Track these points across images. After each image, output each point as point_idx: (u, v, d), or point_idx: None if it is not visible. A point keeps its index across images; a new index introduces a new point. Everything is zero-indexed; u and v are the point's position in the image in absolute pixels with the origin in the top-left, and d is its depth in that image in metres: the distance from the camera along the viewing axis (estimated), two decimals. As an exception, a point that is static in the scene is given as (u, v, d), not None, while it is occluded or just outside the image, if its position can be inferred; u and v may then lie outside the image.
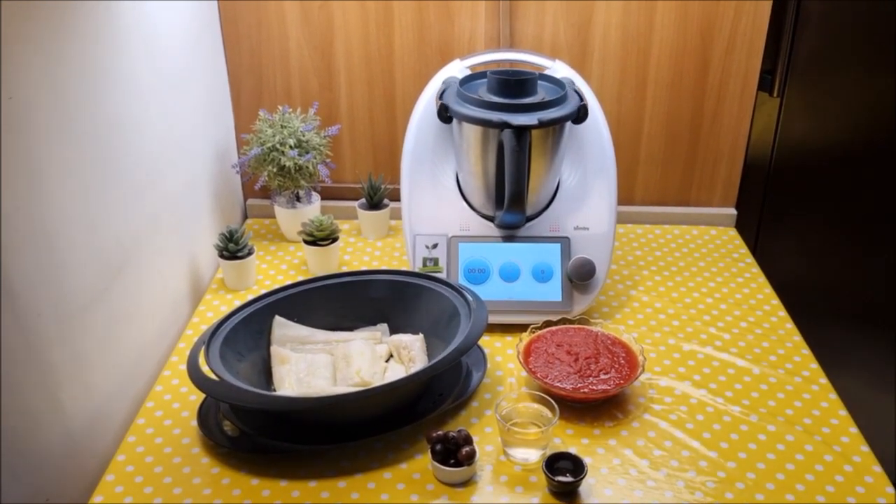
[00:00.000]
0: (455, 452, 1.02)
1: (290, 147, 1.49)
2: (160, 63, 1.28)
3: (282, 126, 1.51)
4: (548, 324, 1.26)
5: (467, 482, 1.02)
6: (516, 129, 1.21)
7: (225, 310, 1.37)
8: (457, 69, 1.39)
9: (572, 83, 1.33)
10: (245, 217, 1.74)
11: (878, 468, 1.05)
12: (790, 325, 1.36)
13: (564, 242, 1.34)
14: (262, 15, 1.56)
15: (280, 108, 1.56)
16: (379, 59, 1.59)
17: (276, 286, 1.27)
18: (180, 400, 1.17)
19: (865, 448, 1.08)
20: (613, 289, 1.46)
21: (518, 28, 1.55)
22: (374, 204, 1.62)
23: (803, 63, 1.67)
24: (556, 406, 1.07)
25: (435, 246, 1.34)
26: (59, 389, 0.99)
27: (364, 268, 1.52)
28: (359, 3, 1.54)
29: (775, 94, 1.69)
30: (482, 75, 1.34)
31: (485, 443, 1.09)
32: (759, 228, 1.83)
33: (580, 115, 1.30)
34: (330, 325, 1.26)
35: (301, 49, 1.59)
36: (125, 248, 1.15)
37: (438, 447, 1.02)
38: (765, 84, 1.65)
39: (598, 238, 1.34)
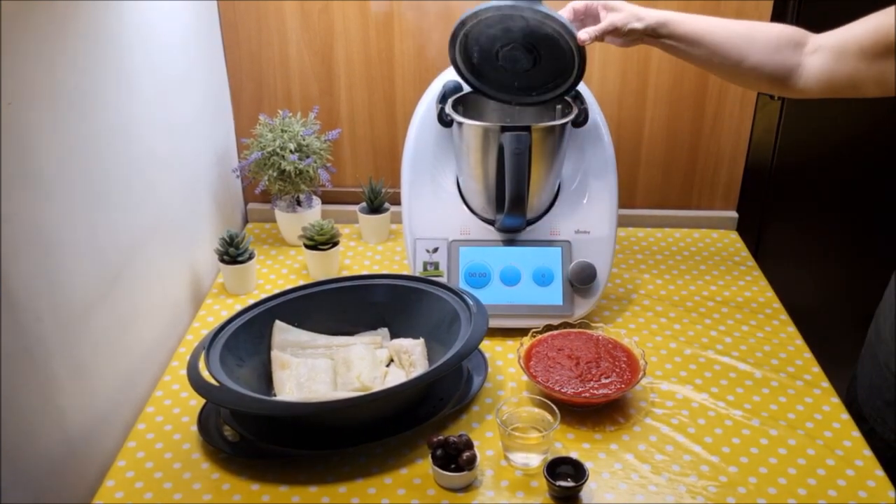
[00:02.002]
0: (456, 457, 1.02)
1: (291, 151, 1.49)
2: (160, 67, 1.28)
3: (282, 130, 1.51)
4: (549, 328, 1.26)
5: (468, 487, 1.02)
6: (516, 131, 1.21)
7: (226, 314, 1.37)
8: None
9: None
10: (245, 221, 1.74)
11: (880, 472, 1.05)
12: (791, 328, 1.36)
13: (565, 246, 1.34)
14: (262, 19, 1.56)
15: (280, 112, 1.56)
16: (379, 63, 1.59)
17: (277, 291, 1.27)
18: (180, 405, 1.17)
19: (868, 452, 1.08)
20: (614, 292, 1.46)
21: (518, 32, 1.55)
22: (374, 208, 1.61)
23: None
24: (556, 410, 1.06)
25: (435, 250, 1.34)
26: (58, 395, 0.99)
27: (365, 272, 1.52)
28: (359, 8, 1.54)
29: (776, 97, 1.69)
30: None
31: (486, 447, 1.09)
32: (760, 231, 1.83)
33: (581, 118, 1.30)
34: (330, 330, 1.25)
35: (301, 53, 1.59)
36: (125, 253, 1.15)
37: (439, 452, 1.02)
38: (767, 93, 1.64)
39: (598, 242, 1.34)
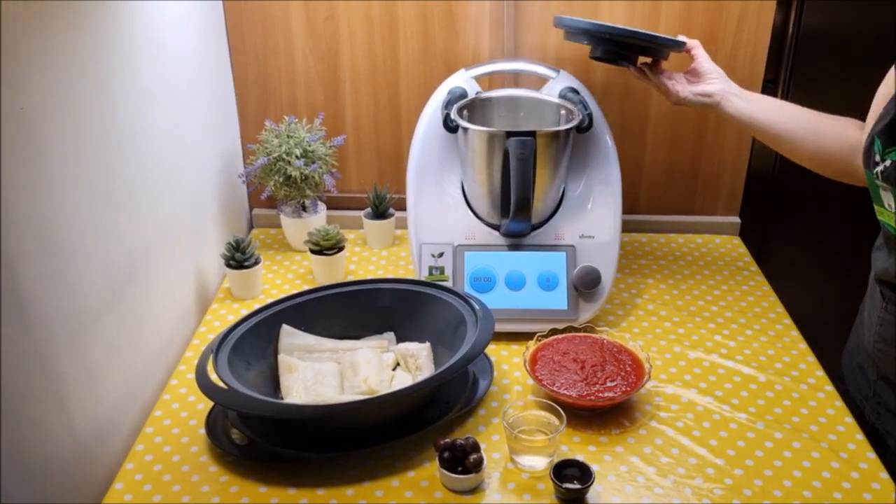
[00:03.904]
0: (463, 460, 1.02)
1: (296, 157, 1.50)
2: (167, 73, 1.29)
3: (288, 136, 1.52)
4: (554, 332, 1.26)
5: (475, 489, 1.03)
6: (521, 137, 1.21)
7: (231, 319, 1.37)
8: (461, 79, 1.40)
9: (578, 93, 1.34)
10: (251, 227, 1.75)
11: (884, 475, 1.05)
12: (795, 332, 1.36)
13: (569, 251, 1.34)
14: (268, 26, 1.57)
15: (286, 118, 1.56)
16: (384, 70, 1.60)
17: (283, 295, 1.27)
18: (188, 408, 1.18)
19: (872, 455, 1.09)
20: (619, 297, 1.47)
21: (522, 38, 1.56)
22: (379, 213, 1.62)
23: (805, 72, 1.68)
24: (562, 413, 1.07)
25: (441, 255, 1.35)
26: (67, 398, 0.99)
27: (370, 277, 1.53)
28: (364, 15, 1.55)
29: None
30: None
31: (492, 450, 1.09)
32: (762, 236, 1.84)
33: (585, 124, 1.31)
34: (337, 334, 1.26)
35: (307, 60, 1.60)
36: (133, 258, 1.16)
37: (446, 455, 1.03)
38: (767, 93, 1.65)
39: (603, 246, 1.35)
